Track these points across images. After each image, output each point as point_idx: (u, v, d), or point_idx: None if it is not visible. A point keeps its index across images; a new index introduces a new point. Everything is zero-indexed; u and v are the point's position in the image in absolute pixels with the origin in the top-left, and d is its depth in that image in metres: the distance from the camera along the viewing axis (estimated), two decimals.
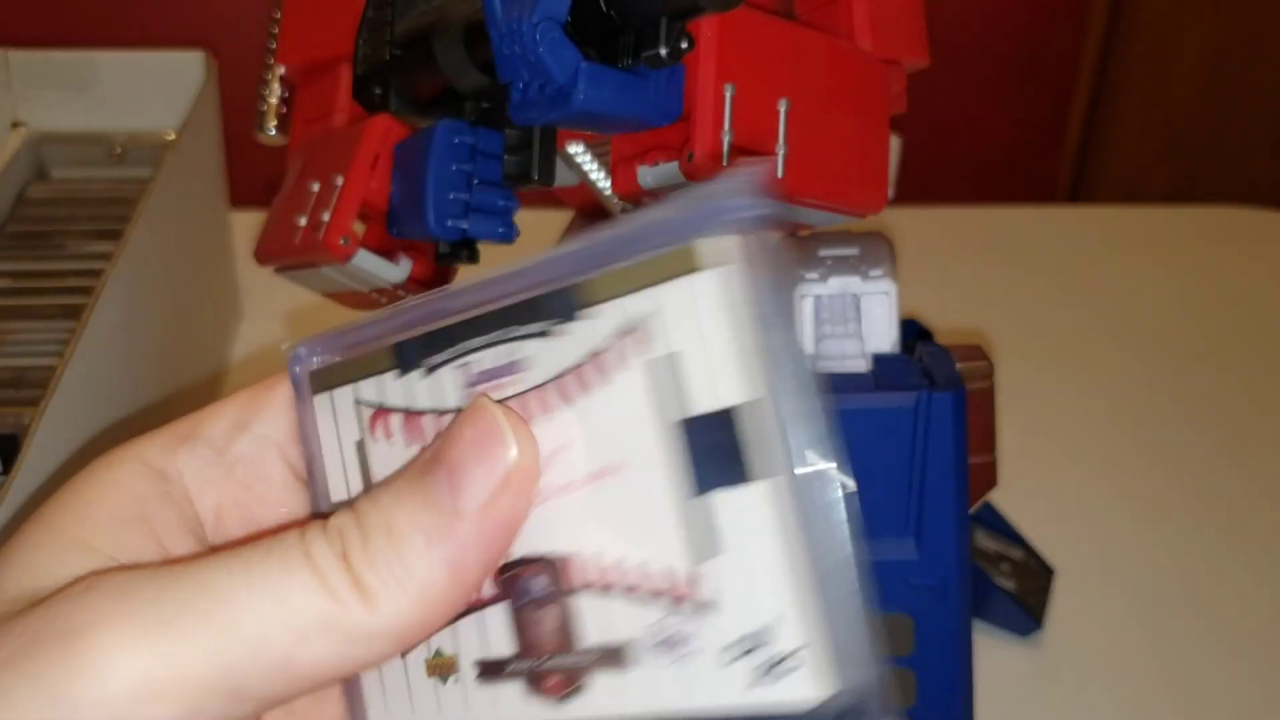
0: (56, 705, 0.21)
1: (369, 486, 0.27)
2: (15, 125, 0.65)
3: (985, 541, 0.53)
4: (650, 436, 0.23)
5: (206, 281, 0.67)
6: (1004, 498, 0.52)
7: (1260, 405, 0.68)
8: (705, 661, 0.23)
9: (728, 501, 0.22)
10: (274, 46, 0.46)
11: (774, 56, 0.35)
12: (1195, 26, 1.16)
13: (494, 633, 0.25)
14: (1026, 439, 0.59)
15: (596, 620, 0.24)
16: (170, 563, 0.24)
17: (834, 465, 0.22)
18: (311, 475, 0.28)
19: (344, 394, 0.27)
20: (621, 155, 0.37)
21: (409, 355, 0.26)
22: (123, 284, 0.49)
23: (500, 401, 0.25)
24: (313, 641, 0.23)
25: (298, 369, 0.28)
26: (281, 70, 0.46)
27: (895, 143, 0.40)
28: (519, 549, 0.25)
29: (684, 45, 0.33)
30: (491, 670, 0.26)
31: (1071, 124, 1.20)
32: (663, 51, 0.33)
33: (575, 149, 0.42)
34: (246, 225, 0.58)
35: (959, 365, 0.42)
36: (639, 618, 0.23)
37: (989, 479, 0.46)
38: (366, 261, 0.40)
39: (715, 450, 0.22)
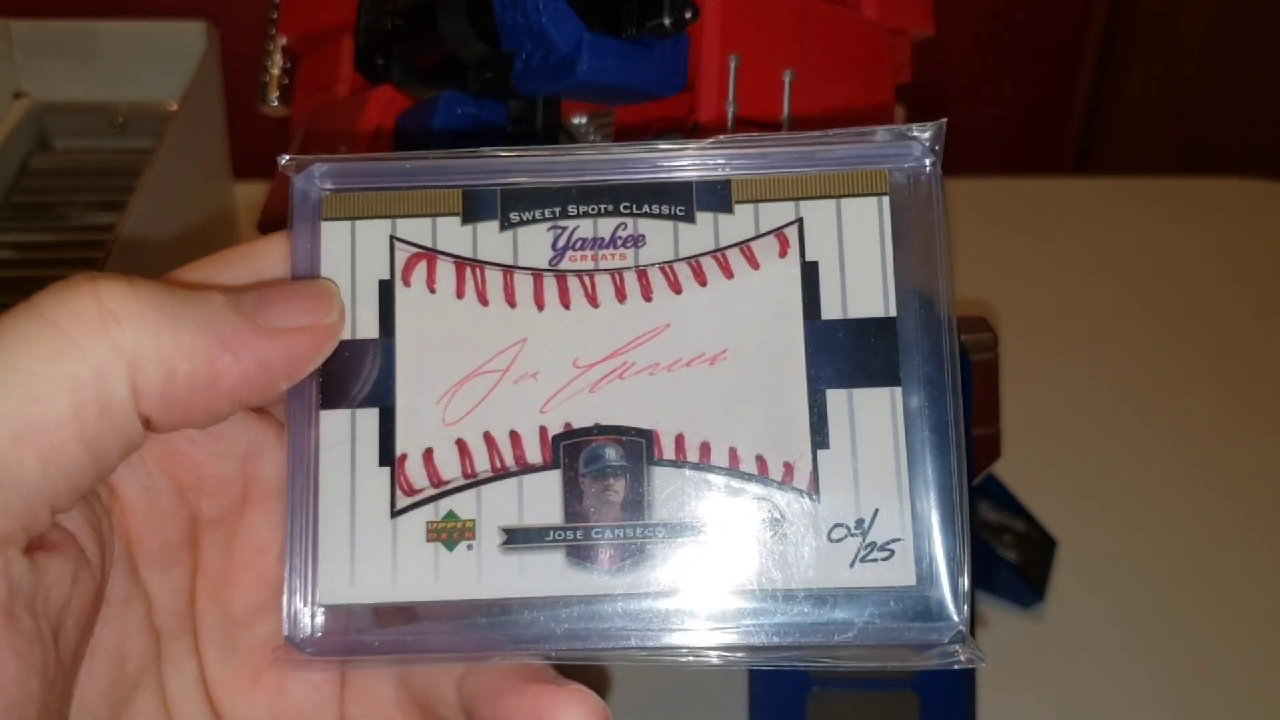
0: None
1: (387, 328, 0.25)
2: (17, 96, 0.65)
3: (988, 513, 0.53)
4: (781, 331, 0.25)
5: (210, 252, 0.67)
6: (1007, 469, 0.53)
7: (1266, 378, 0.68)
8: (804, 540, 0.24)
9: (846, 400, 0.25)
10: (275, 17, 0.45)
11: (779, 27, 0.35)
12: None
13: (537, 499, 0.25)
14: (1030, 411, 0.59)
15: (677, 494, 0.25)
16: None
17: (949, 386, 0.24)
18: None
19: (374, 227, 0.25)
20: (625, 126, 0.37)
21: (483, 205, 0.25)
22: (126, 255, 0.49)
23: (610, 271, 0.25)
24: (44, 397, 0.21)
25: (311, 188, 0.26)
26: (283, 41, 0.46)
27: (900, 113, 0.40)
28: (589, 417, 0.25)
29: (688, 15, 0.33)
30: (524, 538, 0.25)
31: (1078, 94, 1.19)
32: (667, 22, 0.33)
33: (579, 120, 0.42)
34: (250, 196, 0.58)
35: (963, 337, 0.41)
36: (732, 495, 0.25)
37: (992, 451, 0.46)
38: None
39: (843, 354, 0.25)
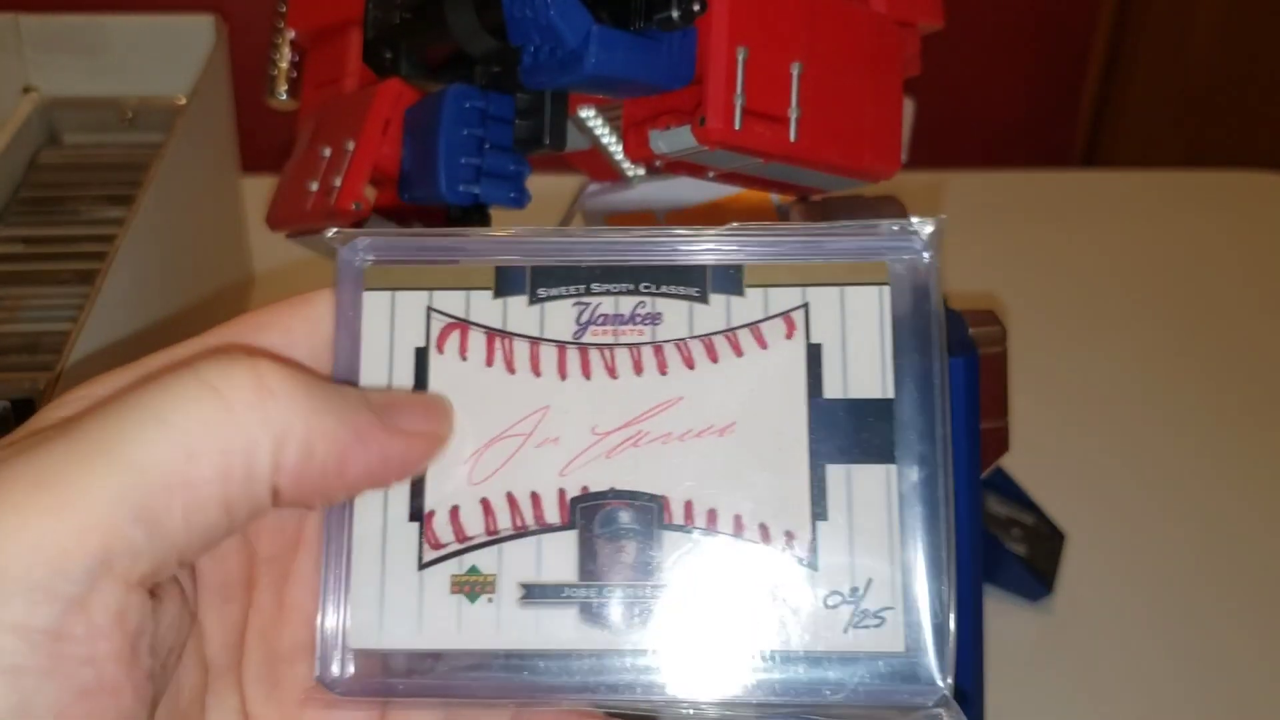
0: None
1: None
2: (27, 90, 0.65)
3: (997, 506, 0.53)
4: (785, 407, 0.26)
5: (218, 246, 0.67)
6: (1016, 463, 0.53)
7: (1275, 371, 0.68)
8: (801, 606, 0.26)
9: (845, 476, 0.26)
10: (284, 10, 0.45)
11: (787, 19, 0.35)
12: None
13: (554, 557, 0.26)
14: (1039, 404, 0.59)
15: (685, 557, 0.26)
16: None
17: (942, 467, 0.26)
18: (337, 373, 0.27)
19: (412, 298, 0.27)
20: (633, 119, 0.37)
21: (514, 281, 0.27)
22: (135, 249, 0.49)
23: (629, 345, 0.27)
24: (202, 456, 0.22)
25: (355, 259, 0.27)
26: (292, 34, 0.46)
27: (909, 106, 0.39)
28: (605, 482, 0.26)
29: (696, 8, 0.33)
30: (541, 593, 0.26)
31: (1086, 87, 1.19)
32: (675, 14, 0.32)
33: (587, 113, 0.42)
34: (258, 190, 0.58)
35: (972, 330, 0.41)
36: (736, 560, 0.26)
37: (1001, 444, 0.46)
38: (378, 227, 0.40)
39: (843, 431, 0.26)
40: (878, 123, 0.37)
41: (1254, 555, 0.56)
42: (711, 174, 0.38)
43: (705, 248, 0.27)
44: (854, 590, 0.26)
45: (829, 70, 0.35)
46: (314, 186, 0.40)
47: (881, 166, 0.37)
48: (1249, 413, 0.65)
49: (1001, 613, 0.52)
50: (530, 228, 0.28)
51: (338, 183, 0.39)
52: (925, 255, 0.27)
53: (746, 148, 0.34)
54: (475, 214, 0.39)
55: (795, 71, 0.35)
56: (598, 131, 0.43)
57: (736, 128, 0.33)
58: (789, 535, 0.26)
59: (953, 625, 0.26)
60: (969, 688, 0.42)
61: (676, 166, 0.37)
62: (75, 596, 0.21)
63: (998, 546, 0.52)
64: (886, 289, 0.27)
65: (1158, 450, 0.62)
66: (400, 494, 0.27)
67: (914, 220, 0.27)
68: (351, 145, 0.39)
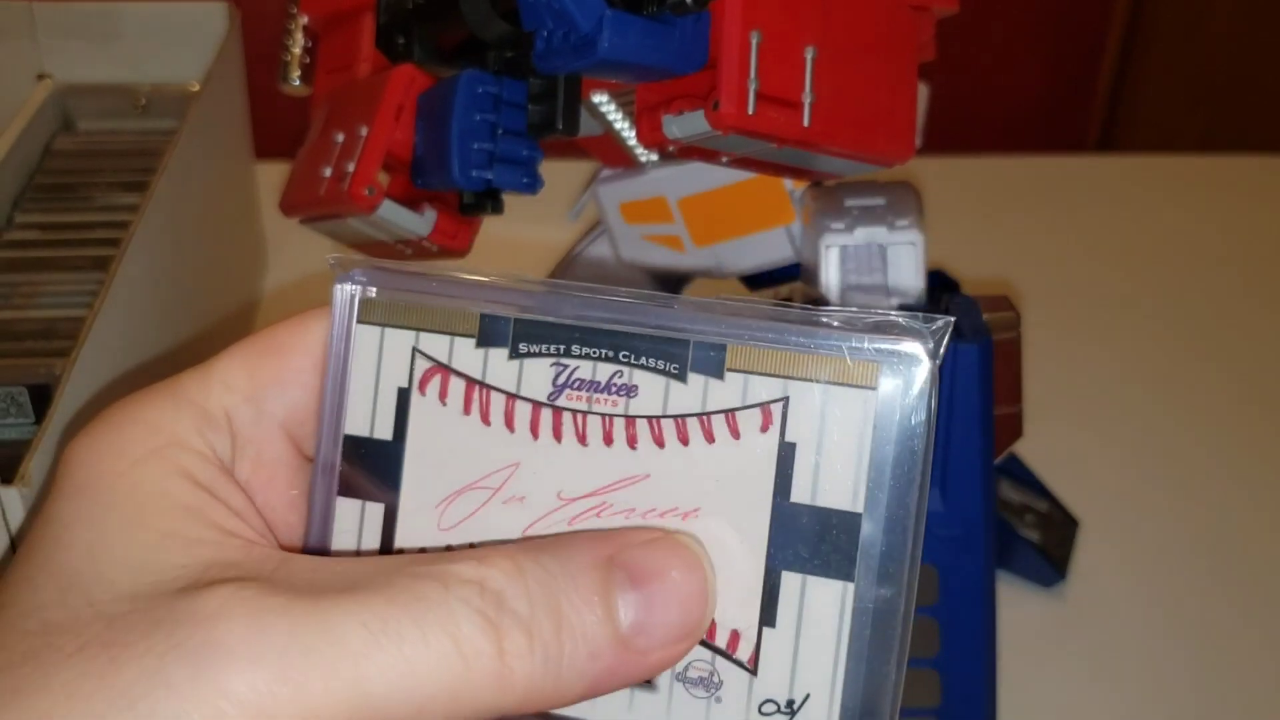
0: None
1: (400, 433, 0.27)
2: (41, 77, 0.65)
3: (1010, 493, 0.53)
4: (750, 503, 0.25)
5: (232, 233, 0.67)
6: (1029, 449, 0.52)
7: None
8: (735, 709, 0.25)
9: (799, 585, 0.25)
10: None
11: (801, 3, 0.35)
12: None
13: None
14: (1053, 390, 0.59)
15: None
16: (299, 590, 0.24)
17: (904, 592, 0.24)
18: (325, 400, 0.27)
19: (400, 336, 0.27)
20: (646, 104, 0.37)
21: (497, 331, 0.26)
22: (150, 236, 0.49)
23: (602, 415, 0.26)
24: (432, 711, 0.23)
25: (348, 290, 0.27)
26: (304, 20, 0.46)
27: (923, 91, 0.39)
28: None
29: None
30: None
31: (1102, 71, 1.18)
32: None
33: (600, 98, 0.42)
34: (271, 176, 0.59)
35: (986, 316, 0.41)
36: None
37: (1015, 430, 0.46)
38: (391, 212, 0.40)
39: (804, 539, 0.25)
40: (892, 108, 0.37)
41: (1267, 543, 0.56)
42: (725, 159, 0.38)
43: (690, 321, 0.26)
44: (790, 703, 0.25)
45: (843, 55, 0.35)
46: (327, 172, 0.40)
47: (896, 151, 0.37)
48: (1263, 400, 0.65)
49: (1014, 599, 0.52)
50: (518, 276, 0.27)
51: (351, 168, 0.39)
52: (925, 364, 0.24)
53: (760, 132, 0.34)
54: (488, 199, 0.39)
55: (809, 56, 0.34)
56: (610, 117, 0.43)
57: (750, 112, 0.33)
58: (734, 635, 0.25)
59: None
60: (981, 672, 0.42)
61: (689, 152, 0.37)
62: None
63: (1011, 533, 0.52)
64: (873, 395, 0.24)
65: (1172, 437, 0.62)
66: (374, 530, 0.27)
67: (919, 317, 0.24)
68: (364, 131, 0.39)
